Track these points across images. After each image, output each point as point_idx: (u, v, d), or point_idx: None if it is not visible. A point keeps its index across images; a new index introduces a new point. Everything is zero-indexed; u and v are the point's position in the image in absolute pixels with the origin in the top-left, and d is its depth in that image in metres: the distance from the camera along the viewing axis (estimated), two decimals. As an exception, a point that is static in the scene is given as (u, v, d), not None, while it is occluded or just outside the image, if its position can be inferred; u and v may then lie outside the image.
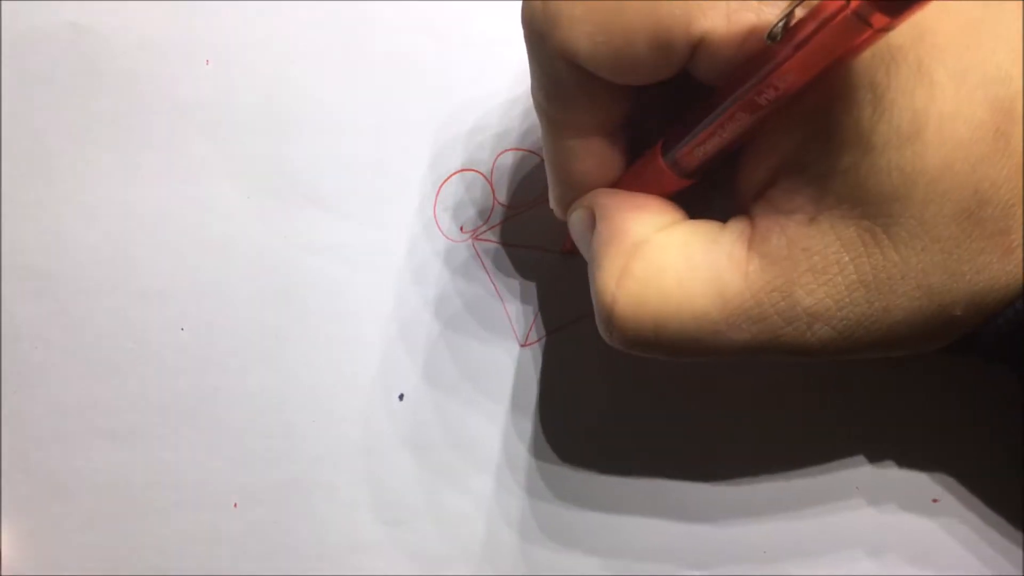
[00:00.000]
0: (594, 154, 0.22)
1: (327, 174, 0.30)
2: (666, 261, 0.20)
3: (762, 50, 0.17)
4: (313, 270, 0.30)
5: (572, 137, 0.21)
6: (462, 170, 0.29)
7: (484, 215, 0.29)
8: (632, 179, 0.23)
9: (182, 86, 0.30)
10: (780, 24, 0.16)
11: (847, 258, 0.18)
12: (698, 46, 0.18)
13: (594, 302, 0.21)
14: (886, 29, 0.15)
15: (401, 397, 0.30)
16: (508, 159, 0.29)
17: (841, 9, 0.15)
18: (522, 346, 0.30)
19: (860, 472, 0.29)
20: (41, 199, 0.30)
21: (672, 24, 0.17)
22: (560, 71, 0.19)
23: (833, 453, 0.29)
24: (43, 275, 0.30)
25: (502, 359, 0.30)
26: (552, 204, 0.25)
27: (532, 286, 0.30)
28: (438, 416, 0.30)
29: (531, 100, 0.29)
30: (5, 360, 0.30)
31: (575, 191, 0.23)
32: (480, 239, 0.29)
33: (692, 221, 0.21)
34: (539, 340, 0.30)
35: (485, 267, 0.29)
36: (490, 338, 0.30)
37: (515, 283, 0.30)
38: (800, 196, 0.19)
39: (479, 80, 0.29)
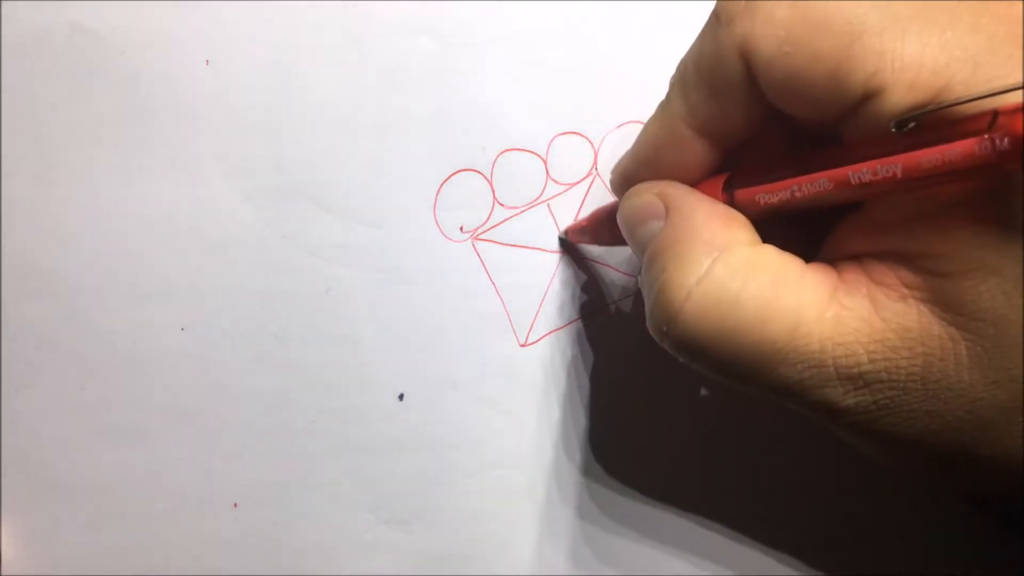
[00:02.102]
0: (695, 155, 0.21)
1: (327, 174, 0.30)
2: (751, 276, 0.19)
3: (883, 132, 0.17)
4: (313, 270, 0.30)
5: (689, 127, 0.21)
6: (462, 170, 0.29)
7: (484, 215, 0.29)
8: None
9: (182, 86, 0.29)
10: (912, 118, 0.16)
11: (921, 350, 0.18)
12: (868, 100, 0.17)
13: (654, 293, 0.20)
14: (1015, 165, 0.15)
15: (401, 397, 0.30)
16: (508, 159, 0.29)
17: (982, 133, 0.15)
18: (522, 346, 0.30)
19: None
20: (41, 199, 0.30)
21: (861, 64, 0.17)
22: (727, 61, 0.19)
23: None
24: (43, 275, 0.30)
25: (502, 359, 0.30)
26: (614, 173, 0.24)
27: (532, 286, 0.30)
28: (438, 416, 0.30)
29: (532, 101, 0.29)
30: (5, 360, 0.30)
31: (647, 173, 0.23)
32: (480, 239, 0.29)
33: (777, 248, 0.21)
34: (539, 340, 0.30)
35: (485, 267, 0.29)
36: (490, 338, 0.30)
37: (515, 283, 0.29)
38: (899, 278, 0.18)
39: (479, 80, 0.29)
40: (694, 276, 0.19)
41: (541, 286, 0.30)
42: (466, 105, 0.29)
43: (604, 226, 0.26)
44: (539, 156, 0.29)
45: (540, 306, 0.30)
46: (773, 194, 0.19)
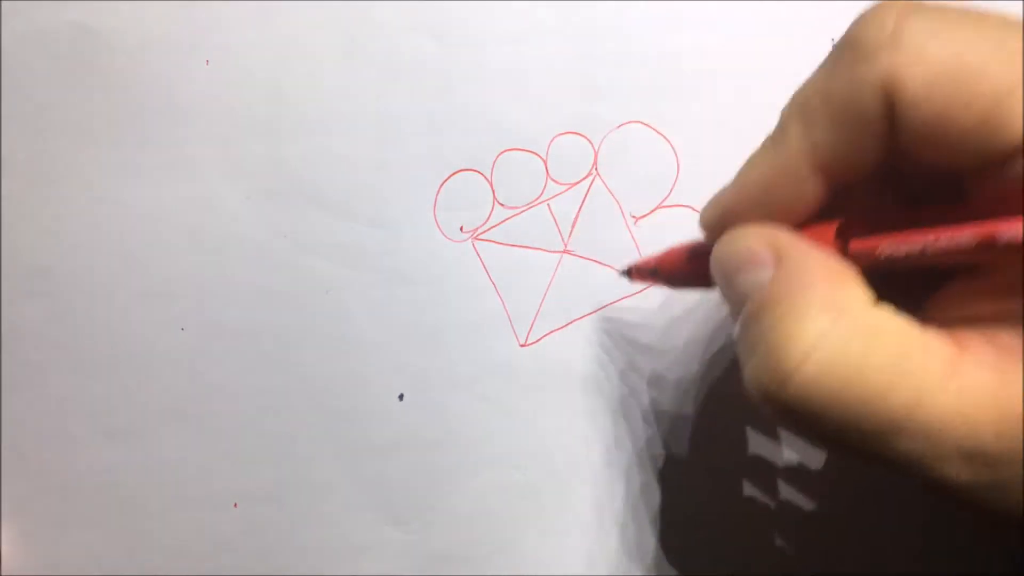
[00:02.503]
0: (808, 195, 0.20)
1: (327, 174, 0.30)
2: (874, 341, 0.18)
3: None
4: (313, 270, 0.30)
5: (805, 163, 0.19)
6: (462, 170, 0.29)
7: (484, 215, 0.29)
8: None
9: (182, 86, 0.30)
10: None
11: None
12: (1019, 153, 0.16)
13: (762, 350, 0.19)
14: None
15: (401, 397, 0.30)
16: (508, 159, 0.29)
17: None
18: (522, 346, 0.30)
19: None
20: (41, 199, 0.30)
21: (1020, 113, 0.16)
22: (866, 96, 0.18)
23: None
24: (43, 275, 0.30)
25: (502, 359, 0.30)
26: (710, 211, 0.22)
27: (532, 286, 0.30)
28: (438, 416, 0.30)
29: (532, 101, 0.29)
30: (5, 360, 0.30)
31: (751, 213, 0.21)
32: (480, 239, 0.29)
33: (895, 309, 0.19)
34: (539, 340, 0.30)
35: (485, 267, 0.29)
36: (490, 338, 0.30)
37: (515, 283, 0.29)
38: None
39: (479, 80, 0.29)
40: (812, 336, 0.18)
41: (541, 286, 0.30)
42: (466, 105, 0.29)
43: (682, 268, 0.24)
44: (539, 156, 0.29)
45: (540, 306, 0.30)
46: (899, 246, 0.18)
